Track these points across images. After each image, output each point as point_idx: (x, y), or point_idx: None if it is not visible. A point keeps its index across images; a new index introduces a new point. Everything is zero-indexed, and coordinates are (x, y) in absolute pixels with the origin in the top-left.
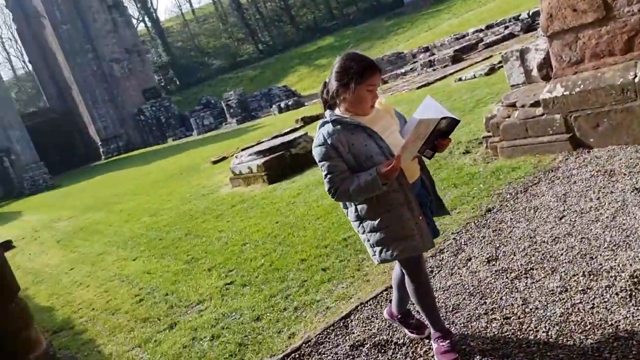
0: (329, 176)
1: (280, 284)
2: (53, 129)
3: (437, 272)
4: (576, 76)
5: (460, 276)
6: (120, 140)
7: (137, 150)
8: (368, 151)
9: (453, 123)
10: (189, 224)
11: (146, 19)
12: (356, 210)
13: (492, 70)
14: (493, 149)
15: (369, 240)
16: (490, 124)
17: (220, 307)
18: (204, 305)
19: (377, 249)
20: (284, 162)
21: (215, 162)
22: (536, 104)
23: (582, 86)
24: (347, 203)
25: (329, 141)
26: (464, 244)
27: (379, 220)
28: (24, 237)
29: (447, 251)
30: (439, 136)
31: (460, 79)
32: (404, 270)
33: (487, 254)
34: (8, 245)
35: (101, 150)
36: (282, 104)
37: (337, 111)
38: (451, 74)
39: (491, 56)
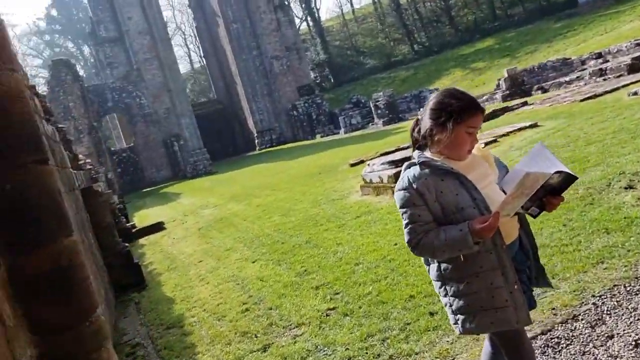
0: (410, 226)
1: (382, 322)
2: (217, 118)
3: (564, 346)
4: None
5: (595, 358)
6: (274, 133)
7: (287, 144)
8: (459, 202)
9: (568, 179)
10: (312, 230)
11: (309, 18)
12: (439, 268)
13: None
14: None
15: (451, 306)
16: None
17: (316, 337)
18: (300, 330)
19: (460, 317)
20: None
21: (352, 165)
22: None
23: None
24: (429, 259)
25: (414, 185)
26: (606, 314)
27: (464, 284)
28: (174, 220)
29: (582, 319)
30: (548, 192)
31: (635, 93)
32: (500, 345)
33: (637, 334)
34: (160, 226)
35: (256, 141)
36: None
37: (428, 153)
38: (625, 85)
39: None
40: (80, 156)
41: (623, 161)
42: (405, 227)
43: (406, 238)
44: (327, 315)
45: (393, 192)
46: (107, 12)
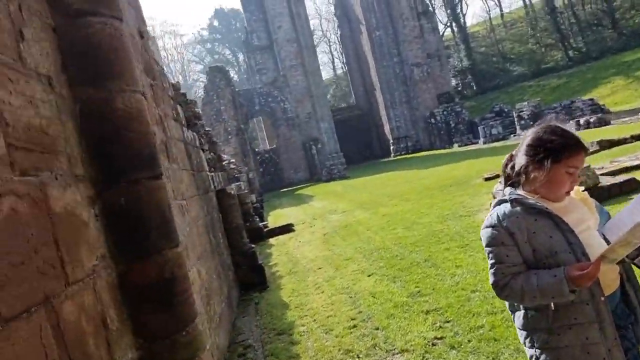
0: (496, 266)
1: None
2: (355, 124)
3: None
4: None
5: None
6: (410, 140)
7: (422, 152)
8: (553, 245)
9: None
10: (432, 248)
11: (453, 24)
12: (526, 316)
13: None
14: None
15: (537, 359)
16: None
17: None
18: (403, 357)
19: None
20: None
21: (487, 179)
22: None
23: None
24: (515, 305)
25: (504, 223)
26: None
27: (555, 336)
28: (304, 222)
29: None
30: None
31: None
32: None
33: None
34: (289, 228)
35: (391, 147)
36: (582, 120)
37: (521, 190)
38: None
39: None
40: (225, 156)
41: None
42: (490, 268)
43: (491, 279)
44: (433, 344)
45: None
46: (260, 23)
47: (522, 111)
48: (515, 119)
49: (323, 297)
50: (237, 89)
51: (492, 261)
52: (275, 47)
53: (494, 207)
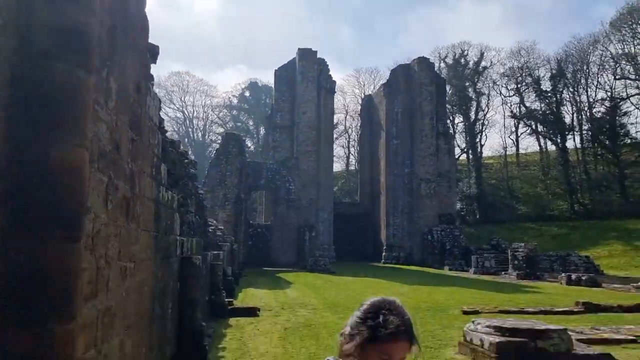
0: None
1: None
2: (354, 221)
3: None
4: None
5: None
6: (403, 251)
7: (412, 266)
8: None
9: None
10: None
11: (470, 151)
12: None
13: None
14: None
15: None
16: None
17: None
18: None
19: None
20: (522, 353)
21: (465, 312)
22: None
23: None
24: None
25: None
26: None
27: None
28: (271, 309)
29: None
30: None
31: None
32: None
33: None
34: (254, 311)
35: (383, 254)
36: (574, 276)
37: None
38: None
39: None
40: (212, 222)
41: None
42: None
43: None
44: None
45: None
46: (287, 104)
47: (517, 251)
48: (510, 258)
49: None
50: (248, 159)
51: None
52: (296, 130)
53: None
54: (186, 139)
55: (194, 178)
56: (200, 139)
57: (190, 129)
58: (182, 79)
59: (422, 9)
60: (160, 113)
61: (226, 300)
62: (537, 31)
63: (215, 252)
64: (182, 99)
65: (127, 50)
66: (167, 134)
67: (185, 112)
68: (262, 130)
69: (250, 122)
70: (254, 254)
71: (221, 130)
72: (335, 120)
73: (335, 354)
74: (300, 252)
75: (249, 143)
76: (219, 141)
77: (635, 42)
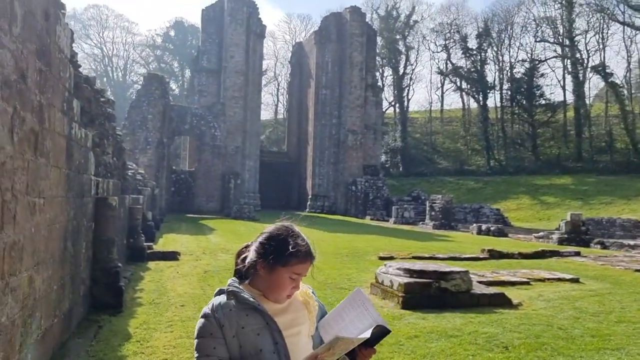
0: (201, 359)
1: None
2: (280, 170)
3: None
4: None
5: None
6: (327, 200)
7: (336, 215)
8: (259, 343)
9: (383, 332)
10: None
11: (397, 105)
12: None
13: None
14: None
15: None
16: None
17: None
18: None
19: None
20: (427, 293)
21: (381, 258)
22: None
23: None
24: None
25: (216, 314)
26: None
27: None
28: (192, 254)
29: None
30: (361, 345)
31: None
32: None
33: None
34: (174, 255)
35: (308, 203)
36: (484, 227)
37: (243, 284)
38: None
39: None
40: (132, 165)
41: None
42: None
43: None
44: None
45: (398, 301)
46: (214, 46)
47: (435, 202)
48: (427, 209)
49: (170, 337)
50: (172, 103)
51: (197, 354)
52: (222, 75)
53: (215, 296)
54: (105, 78)
55: (112, 118)
56: (121, 79)
57: (109, 68)
58: (101, 12)
59: None
60: (74, 46)
61: (146, 244)
62: None
63: (135, 196)
64: (101, 34)
65: None
66: (84, 72)
67: (104, 49)
68: (187, 73)
69: (175, 64)
70: (177, 200)
71: (144, 70)
72: (264, 67)
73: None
74: (225, 200)
75: (173, 86)
76: (141, 82)
77: (555, 6)
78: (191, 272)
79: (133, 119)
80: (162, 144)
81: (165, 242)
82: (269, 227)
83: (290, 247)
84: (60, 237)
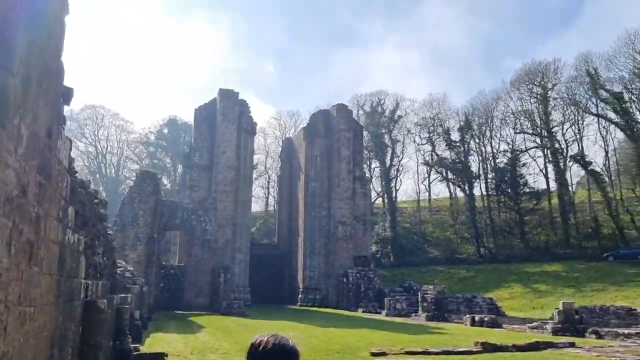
0: None
1: None
2: (271, 263)
3: None
4: None
5: None
6: (319, 293)
7: (327, 308)
8: None
9: None
10: None
11: (385, 195)
12: None
13: None
14: None
15: None
16: None
17: None
18: None
19: None
20: None
21: (373, 354)
22: None
23: None
24: None
25: None
26: None
27: None
28: (179, 355)
29: None
30: None
31: None
32: None
33: None
34: (160, 358)
35: (299, 296)
36: (477, 317)
37: None
38: None
39: None
40: (122, 263)
41: None
42: None
43: None
44: None
45: None
46: (206, 143)
47: (427, 293)
48: (420, 300)
49: None
50: (163, 198)
51: None
52: (214, 170)
53: None
54: (98, 175)
55: (104, 218)
56: (114, 175)
57: (102, 164)
58: (97, 112)
59: (345, 50)
60: (71, 150)
61: (132, 345)
62: (451, 79)
63: (123, 295)
64: (96, 133)
65: (40, 96)
66: (78, 168)
67: (99, 146)
68: (179, 169)
69: (168, 160)
70: (166, 296)
71: (136, 167)
72: (255, 161)
73: None
74: (215, 295)
75: (165, 181)
76: (134, 178)
77: (531, 100)
78: None
79: (124, 215)
80: (153, 240)
81: (153, 342)
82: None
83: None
84: (47, 345)
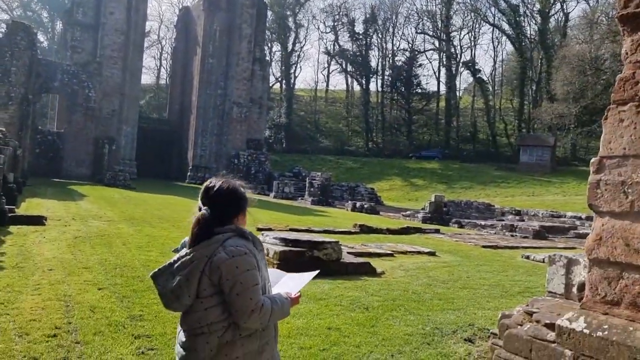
0: (258, 289)
1: None
2: (160, 138)
3: None
4: (605, 318)
5: None
6: (208, 172)
7: None
8: (265, 275)
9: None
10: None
11: (284, 81)
12: (235, 343)
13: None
14: (492, 351)
15: None
16: (501, 324)
17: None
18: None
19: None
20: (301, 260)
21: (259, 229)
22: (551, 327)
23: (606, 332)
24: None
25: (253, 252)
26: None
27: (260, 354)
28: (60, 219)
29: None
30: None
31: (527, 257)
32: None
33: None
34: (40, 220)
35: (188, 174)
36: (358, 204)
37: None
38: (524, 247)
39: (575, 248)
40: None
41: (479, 314)
42: (249, 292)
43: (254, 302)
44: None
45: (274, 267)
46: None
47: (314, 179)
48: (307, 185)
49: (37, 299)
50: (40, 57)
51: (254, 283)
52: (100, 31)
53: (229, 239)
54: None
55: None
56: None
57: None
58: None
59: None
60: None
61: (7, 207)
62: None
63: None
64: None
65: None
66: None
67: None
68: (59, 26)
69: (45, 14)
70: (42, 163)
71: (6, 17)
72: (147, 28)
73: (126, 259)
74: (98, 166)
75: (41, 38)
76: (4, 30)
77: (436, 1)
78: (59, 238)
79: None
80: (27, 101)
81: (29, 207)
82: (228, 183)
83: (246, 193)
84: None
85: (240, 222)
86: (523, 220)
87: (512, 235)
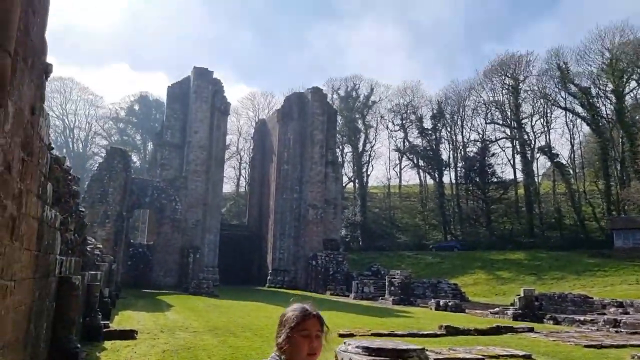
0: None
1: None
2: (241, 244)
3: None
4: None
5: None
6: (287, 275)
7: (296, 290)
8: None
9: None
10: None
11: (356, 180)
12: None
13: None
14: None
15: None
16: None
17: None
18: None
19: None
20: None
21: (341, 335)
22: None
23: None
24: None
25: None
26: None
27: None
28: (149, 332)
29: None
30: None
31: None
32: None
33: None
34: (131, 334)
35: (269, 277)
36: (442, 302)
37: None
38: (633, 346)
39: None
40: (91, 240)
41: None
42: None
43: None
44: None
45: None
46: (179, 122)
47: (394, 278)
48: (387, 284)
49: None
50: (133, 176)
51: None
52: (186, 149)
53: None
54: (64, 150)
55: (76, 195)
56: (81, 151)
57: (70, 139)
58: (65, 84)
59: (323, 24)
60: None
61: (102, 322)
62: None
63: (93, 272)
64: (63, 106)
65: (25, 74)
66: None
67: (66, 120)
68: (149, 146)
69: (138, 137)
70: (133, 275)
71: (105, 143)
72: (227, 141)
73: None
74: (183, 275)
75: (134, 158)
76: (102, 154)
77: (503, 91)
78: (149, 352)
79: (93, 192)
80: (122, 218)
81: (122, 320)
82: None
83: (292, 314)
84: (25, 318)
85: (293, 349)
86: (628, 313)
87: (616, 332)
